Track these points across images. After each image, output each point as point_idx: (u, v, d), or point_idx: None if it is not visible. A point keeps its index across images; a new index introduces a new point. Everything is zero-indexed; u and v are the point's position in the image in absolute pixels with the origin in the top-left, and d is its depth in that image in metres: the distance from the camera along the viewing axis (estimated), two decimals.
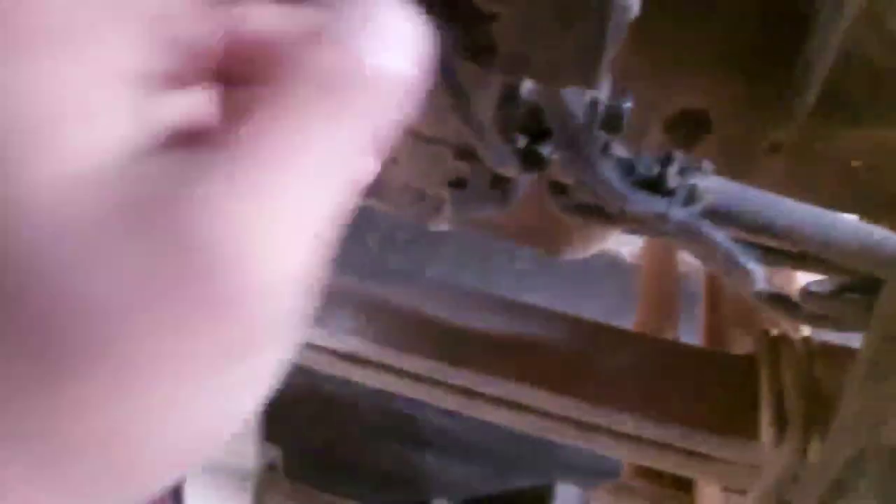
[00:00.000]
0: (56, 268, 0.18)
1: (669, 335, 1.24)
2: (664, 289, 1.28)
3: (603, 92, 0.61)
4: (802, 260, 0.65)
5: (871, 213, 0.75)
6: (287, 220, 0.20)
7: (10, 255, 0.18)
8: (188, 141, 0.20)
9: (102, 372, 0.18)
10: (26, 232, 0.18)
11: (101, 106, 0.19)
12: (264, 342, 0.21)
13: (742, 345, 1.15)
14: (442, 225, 0.74)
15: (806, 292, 0.66)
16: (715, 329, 1.26)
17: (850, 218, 0.62)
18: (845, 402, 0.67)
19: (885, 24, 0.66)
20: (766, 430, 0.91)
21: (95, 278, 0.18)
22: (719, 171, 0.71)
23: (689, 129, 0.72)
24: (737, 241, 0.64)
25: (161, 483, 0.21)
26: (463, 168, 0.62)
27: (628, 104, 0.61)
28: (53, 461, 0.19)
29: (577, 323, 0.99)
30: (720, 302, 1.23)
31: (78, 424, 0.19)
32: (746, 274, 0.60)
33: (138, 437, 0.20)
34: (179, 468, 0.22)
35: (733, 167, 0.73)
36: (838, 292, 0.66)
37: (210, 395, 0.21)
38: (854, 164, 0.73)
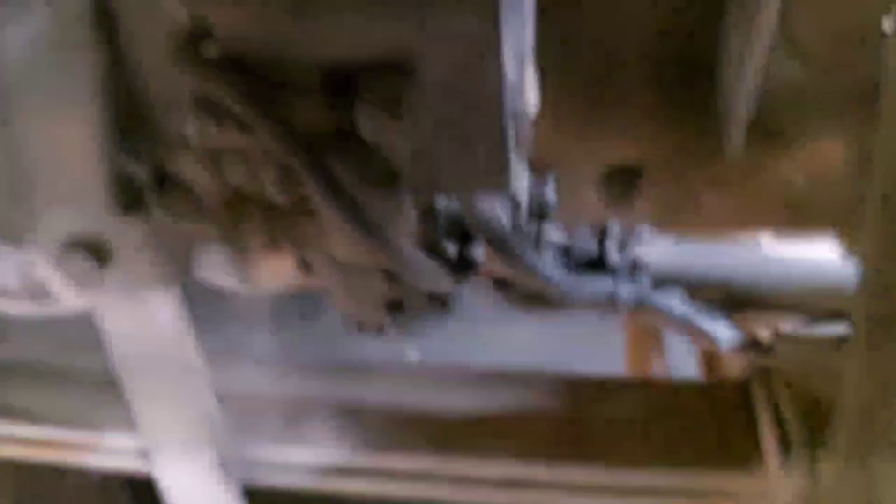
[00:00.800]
0: None
1: (659, 363, 1.21)
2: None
3: (523, 184, 0.58)
4: (766, 305, 0.62)
5: (814, 227, 0.72)
6: None
7: None
8: None
9: None
10: None
11: None
12: None
13: (738, 361, 1.12)
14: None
15: (777, 335, 0.64)
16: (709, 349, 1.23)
17: (805, 257, 0.60)
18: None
19: (797, 41, 0.63)
20: (771, 456, 0.88)
21: None
22: (660, 221, 0.68)
23: (623, 184, 0.69)
24: (695, 299, 0.62)
25: None
26: (396, 290, 0.59)
27: (551, 188, 0.58)
28: None
29: (561, 382, 0.95)
30: None
31: None
32: (711, 339, 0.58)
33: None
34: None
35: (674, 213, 0.71)
36: (808, 331, 0.63)
37: None
38: (795, 180, 0.70)
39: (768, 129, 0.67)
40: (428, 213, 0.56)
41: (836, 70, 0.63)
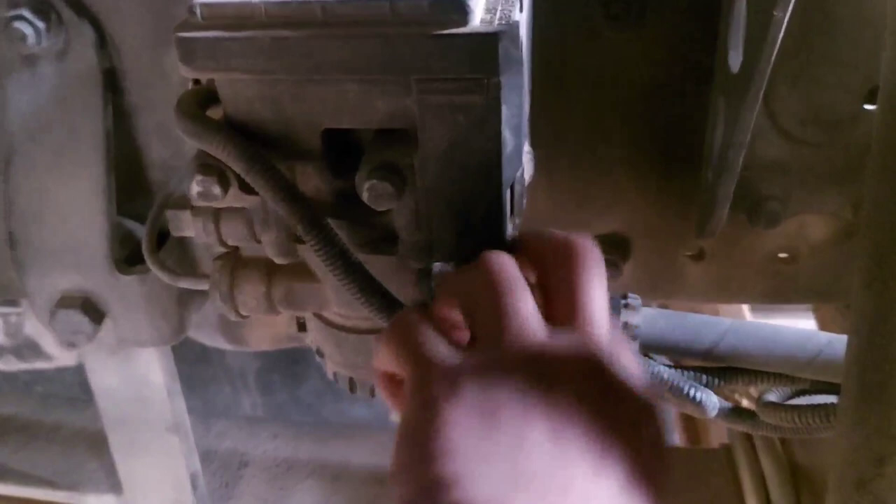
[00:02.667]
0: None
1: None
2: None
3: None
4: (753, 374, 0.63)
5: (795, 300, 0.74)
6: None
7: None
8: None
9: None
10: None
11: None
12: None
13: (717, 429, 1.13)
14: None
15: (763, 403, 0.65)
16: (690, 417, 1.24)
17: (792, 327, 0.61)
18: None
19: (780, 121, 0.66)
20: None
21: None
22: (645, 291, 0.69)
23: (611, 253, 0.71)
24: (684, 367, 0.63)
25: None
26: None
27: None
28: None
29: None
30: None
31: None
32: (698, 406, 0.58)
33: None
34: None
35: (659, 284, 0.73)
36: (795, 400, 0.64)
37: None
38: (781, 255, 0.72)
39: (751, 203, 0.69)
40: (423, 275, 0.57)
41: (817, 148, 0.66)
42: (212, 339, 0.89)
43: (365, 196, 0.47)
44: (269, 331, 0.92)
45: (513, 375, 0.41)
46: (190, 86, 0.53)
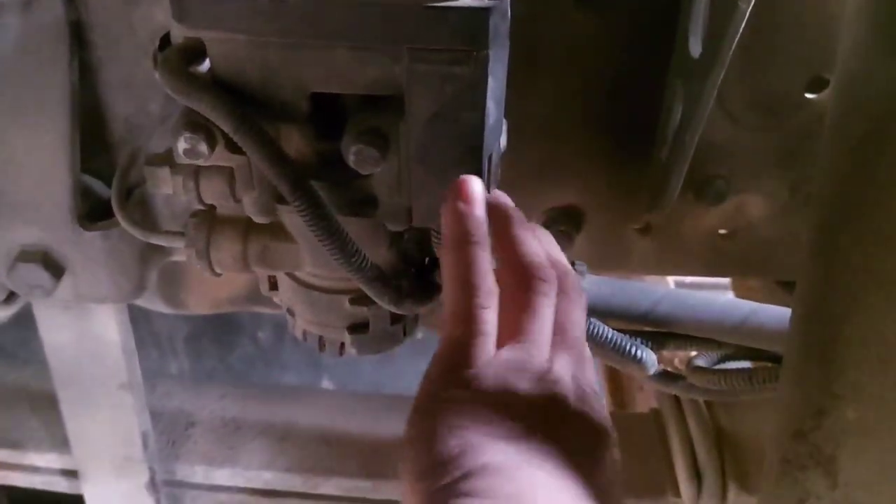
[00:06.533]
0: None
1: None
2: None
3: None
4: (683, 339, 0.68)
5: (734, 273, 0.79)
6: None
7: None
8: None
9: None
10: None
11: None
12: None
13: (645, 397, 1.19)
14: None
15: (692, 367, 0.70)
16: (617, 381, 1.30)
17: (724, 297, 0.66)
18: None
19: (729, 106, 0.71)
20: (685, 486, 0.94)
21: None
22: (595, 261, 0.74)
23: (566, 224, 0.74)
24: (624, 330, 0.67)
25: None
26: (361, 312, 0.61)
27: None
28: None
29: None
30: None
31: None
32: (638, 363, 0.63)
33: None
34: None
35: (608, 255, 0.77)
36: (722, 365, 0.69)
37: None
38: (721, 231, 0.77)
39: (698, 182, 0.74)
40: (396, 238, 0.59)
41: (760, 132, 0.71)
42: (150, 302, 0.88)
43: (351, 159, 0.49)
44: (209, 295, 0.92)
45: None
46: (157, 42, 0.53)
